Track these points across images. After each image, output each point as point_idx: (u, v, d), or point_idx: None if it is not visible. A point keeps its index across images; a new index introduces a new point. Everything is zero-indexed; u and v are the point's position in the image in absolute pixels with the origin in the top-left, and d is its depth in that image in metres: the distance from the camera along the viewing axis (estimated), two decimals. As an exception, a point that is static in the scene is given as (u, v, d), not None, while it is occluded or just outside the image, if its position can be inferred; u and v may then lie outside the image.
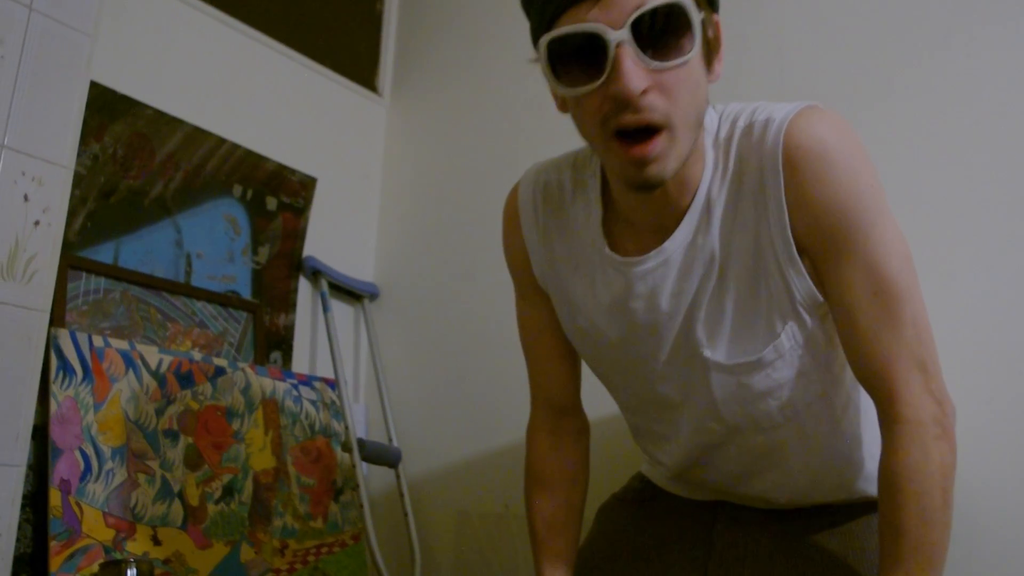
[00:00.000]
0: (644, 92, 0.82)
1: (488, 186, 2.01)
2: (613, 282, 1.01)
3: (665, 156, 0.86)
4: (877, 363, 0.90)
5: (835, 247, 0.90)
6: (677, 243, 0.96)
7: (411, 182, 2.23)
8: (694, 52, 0.84)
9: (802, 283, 0.93)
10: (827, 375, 1.00)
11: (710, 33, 0.89)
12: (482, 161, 2.08)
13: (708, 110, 0.95)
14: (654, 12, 0.81)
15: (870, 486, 1.05)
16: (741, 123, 0.94)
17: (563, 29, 0.84)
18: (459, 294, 2.04)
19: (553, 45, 0.85)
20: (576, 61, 0.85)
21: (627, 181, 0.90)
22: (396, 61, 2.36)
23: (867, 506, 1.06)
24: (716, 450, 1.08)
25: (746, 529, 1.13)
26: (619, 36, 0.81)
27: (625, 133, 0.85)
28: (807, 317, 0.95)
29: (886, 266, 0.89)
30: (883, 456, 0.91)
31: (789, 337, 0.95)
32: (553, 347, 1.18)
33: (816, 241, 0.91)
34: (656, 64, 0.82)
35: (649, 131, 0.85)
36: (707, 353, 0.98)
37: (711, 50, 0.90)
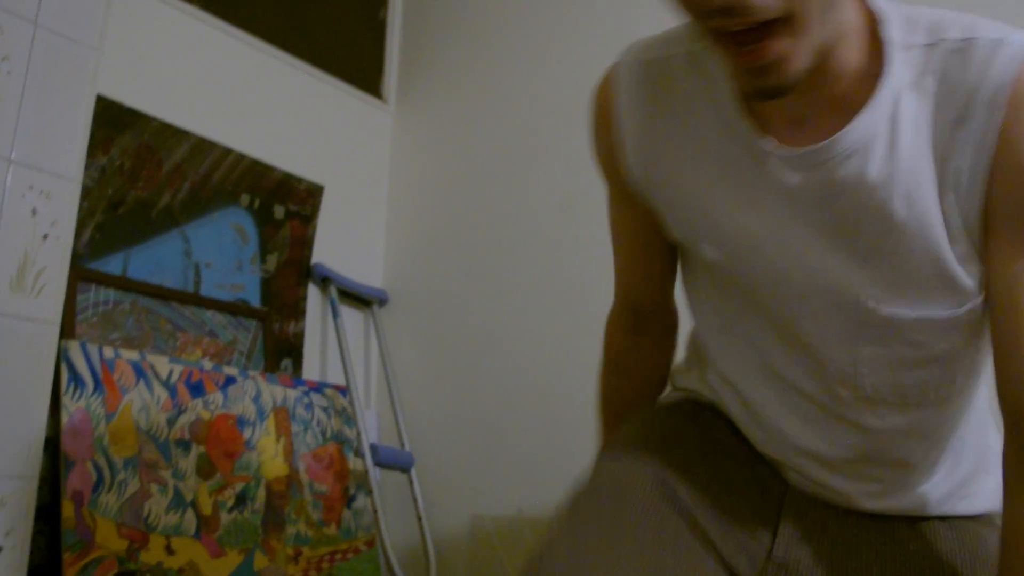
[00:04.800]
0: None
1: (494, 190, 2.02)
2: (780, 177, 0.77)
3: (788, 58, 0.66)
4: None
5: None
6: (879, 114, 0.73)
7: (418, 187, 2.24)
8: None
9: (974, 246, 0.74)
10: (964, 363, 0.83)
11: None
12: (488, 165, 2.07)
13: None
14: None
15: (978, 504, 0.90)
16: (952, 35, 0.73)
17: None
18: (468, 297, 2.04)
19: None
20: None
21: (743, 91, 0.74)
22: (401, 67, 2.36)
23: None
24: (818, 425, 0.86)
25: (822, 512, 0.91)
26: None
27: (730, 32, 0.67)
28: (977, 289, 0.76)
29: None
30: (1009, 499, 0.74)
31: (972, 300, 0.77)
32: (640, 255, 0.98)
33: (1013, 209, 0.71)
34: None
35: (763, 26, 0.65)
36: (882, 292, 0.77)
37: None
